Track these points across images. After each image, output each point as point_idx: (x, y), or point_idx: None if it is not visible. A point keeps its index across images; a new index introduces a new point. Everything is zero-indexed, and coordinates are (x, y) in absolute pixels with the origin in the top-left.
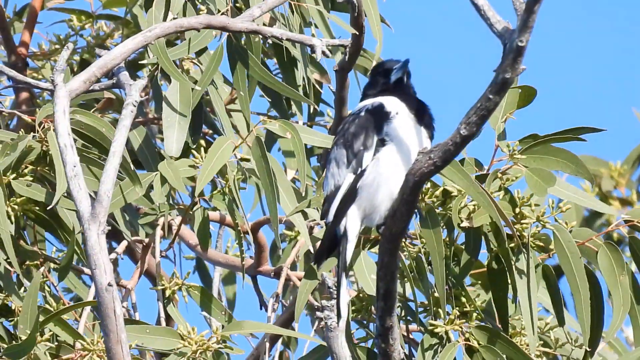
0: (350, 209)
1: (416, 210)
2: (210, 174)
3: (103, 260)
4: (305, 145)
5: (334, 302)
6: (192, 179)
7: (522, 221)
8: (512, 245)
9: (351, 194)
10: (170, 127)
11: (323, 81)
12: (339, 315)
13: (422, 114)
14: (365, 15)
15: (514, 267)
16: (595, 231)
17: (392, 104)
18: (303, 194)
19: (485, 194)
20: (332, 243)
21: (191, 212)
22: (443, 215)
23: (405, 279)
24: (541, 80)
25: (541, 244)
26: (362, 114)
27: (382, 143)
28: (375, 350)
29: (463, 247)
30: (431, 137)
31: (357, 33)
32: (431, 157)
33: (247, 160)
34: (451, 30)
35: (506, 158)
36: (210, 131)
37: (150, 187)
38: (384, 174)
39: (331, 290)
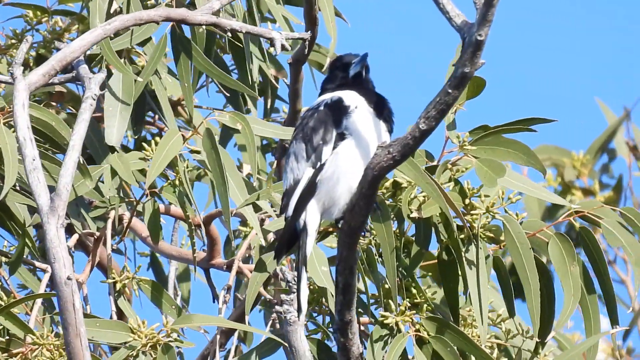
0: (310, 203)
1: (375, 204)
2: (160, 167)
3: (62, 253)
4: (262, 141)
5: (292, 296)
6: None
7: (472, 212)
8: (463, 236)
9: (310, 188)
10: (111, 117)
11: (279, 77)
12: (299, 309)
13: (381, 108)
14: (320, 10)
15: (464, 258)
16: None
17: (351, 98)
18: (255, 185)
19: (435, 185)
20: (291, 237)
21: (142, 205)
22: (393, 206)
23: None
24: (538, 76)
25: (491, 234)
26: (321, 108)
27: (341, 137)
28: (325, 343)
29: (413, 238)
30: (390, 131)
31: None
32: (390, 152)
33: (199, 152)
34: (410, 23)
35: (456, 149)
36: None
37: (102, 180)
38: (343, 167)
39: (290, 284)
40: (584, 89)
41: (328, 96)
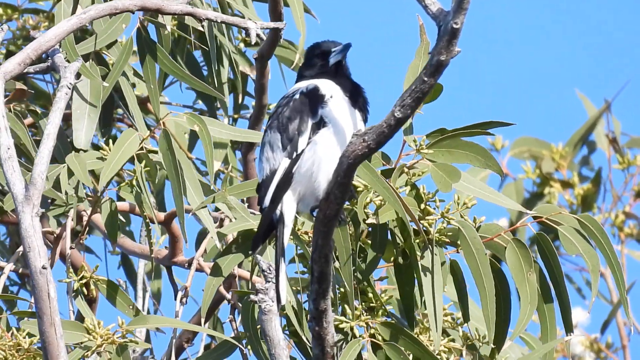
0: (287, 194)
1: (351, 192)
2: (115, 167)
3: (37, 242)
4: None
5: (268, 285)
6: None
7: (427, 217)
8: (418, 241)
9: (287, 179)
10: (79, 119)
11: (249, 73)
12: (278, 300)
13: (357, 97)
14: (288, 5)
15: (419, 263)
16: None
17: (326, 86)
18: (212, 187)
19: (391, 189)
20: (269, 228)
21: (100, 204)
22: (349, 210)
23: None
24: (519, 67)
25: (447, 240)
26: (297, 96)
27: (317, 126)
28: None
29: (369, 241)
30: (365, 120)
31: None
32: (365, 140)
33: (157, 152)
34: (385, 12)
35: (413, 152)
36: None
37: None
38: (321, 157)
39: (265, 273)
40: (565, 81)
41: (304, 84)
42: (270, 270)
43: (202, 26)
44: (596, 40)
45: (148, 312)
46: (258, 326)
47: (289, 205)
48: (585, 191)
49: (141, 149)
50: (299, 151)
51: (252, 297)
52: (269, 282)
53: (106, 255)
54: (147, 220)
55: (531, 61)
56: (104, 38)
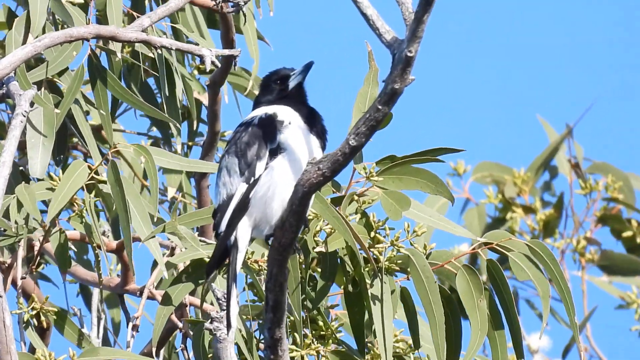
0: (242, 220)
1: (305, 222)
2: (64, 199)
3: None
4: None
5: (223, 313)
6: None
7: (377, 245)
8: (368, 269)
9: (244, 204)
10: (34, 148)
11: (202, 100)
12: (228, 326)
13: (314, 123)
14: (242, 33)
15: (369, 291)
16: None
17: (284, 113)
18: (154, 218)
19: (340, 218)
20: (223, 254)
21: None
22: (300, 238)
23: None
24: (479, 92)
25: (397, 268)
26: (255, 122)
27: (274, 152)
28: None
29: (319, 269)
30: (323, 147)
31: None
32: (320, 168)
33: (106, 182)
34: (339, 39)
35: (364, 180)
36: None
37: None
38: (277, 183)
39: (220, 301)
40: (527, 105)
41: (262, 111)
42: (224, 298)
43: (154, 54)
44: (558, 64)
45: (106, 340)
46: (210, 355)
47: (243, 231)
48: (547, 216)
49: (92, 179)
50: (257, 176)
51: (207, 325)
52: (224, 310)
53: (65, 284)
54: (96, 252)
55: (492, 86)
56: (55, 65)
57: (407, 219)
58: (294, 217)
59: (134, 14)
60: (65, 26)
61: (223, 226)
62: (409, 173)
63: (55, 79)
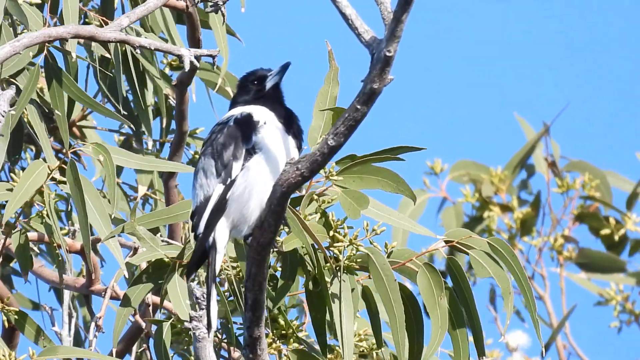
0: (220, 220)
1: (284, 221)
2: (21, 200)
3: None
4: None
5: (201, 312)
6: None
7: (336, 244)
8: (328, 267)
9: (221, 205)
10: None
11: (173, 97)
12: (209, 326)
13: (291, 124)
14: (210, 28)
15: (329, 290)
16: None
17: (260, 113)
18: (111, 216)
19: (296, 219)
20: (202, 255)
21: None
22: None
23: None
24: (456, 91)
25: (357, 267)
26: (231, 123)
27: (250, 153)
28: None
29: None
30: (299, 147)
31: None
32: (299, 168)
33: (65, 183)
34: (319, 39)
35: (323, 179)
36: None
37: None
38: (253, 184)
39: (199, 300)
40: (503, 103)
41: (238, 111)
42: (203, 298)
43: (110, 52)
44: (535, 63)
45: (77, 339)
46: (172, 354)
47: (221, 232)
48: (524, 215)
49: (53, 179)
50: (233, 177)
51: (186, 324)
52: (202, 309)
53: (36, 280)
54: (57, 251)
55: (469, 84)
56: (11, 66)
57: (367, 218)
58: (273, 217)
59: (100, 17)
60: (22, 26)
61: (201, 228)
62: (370, 172)
63: (11, 79)
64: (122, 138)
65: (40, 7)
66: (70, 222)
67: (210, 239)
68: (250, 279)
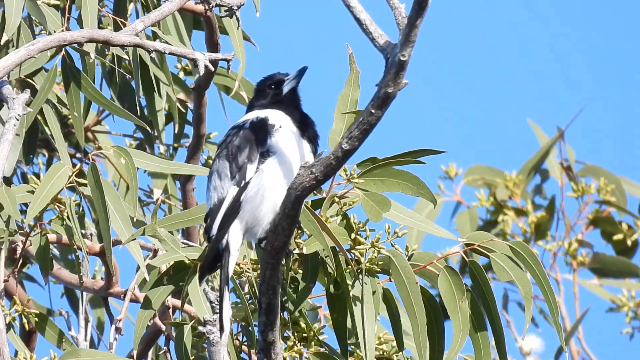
0: (233, 223)
1: (298, 225)
2: (43, 201)
3: None
4: None
5: (216, 316)
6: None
7: (358, 247)
8: (349, 270)
9: (235, 207)
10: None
11: (188, 101)
12: (221, 329)
13: (306, 128)
14: (227, 33)
15: (350, 292)
16: None
17: (276, 117)
18: (133, 219)
19: (316, 221)
20: (215, 257)
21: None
22: None
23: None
24: (471, 96)
25: (379, 269)
26: (246, 126)
27: (265, 156)
28: None
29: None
30: (314, 152)
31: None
32: (313, 172)
33: (86, 185)
34: (334, 44)
35: (345, 182)
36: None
37: None
38: (267, 187)
39: (213, 304)
40: (518, 109)
41: (254, 114)
42: (217, 301)
43: (129, 56)
44: (550, 68)
45: (92, 343)
46: (192, 357)
47: (235, 235)
48: (538, 219)
49: (73, 181)
50: (247, 179)
51: (200, 328)
52: (216, 313)
53: (49, 286)
54: (77, 253)
55: (483, 89)
56: (28, 65)
57: (388, 221)
58: (287, 221)
59: (117, 19)
60: (41, 27)
61: (215, 230)
62: (390, 175)
63: (28, 79)
64: (134, 143)
65: (59, 7)
66: (84, 226)
67: (224, 241)
68: (264, 282)
